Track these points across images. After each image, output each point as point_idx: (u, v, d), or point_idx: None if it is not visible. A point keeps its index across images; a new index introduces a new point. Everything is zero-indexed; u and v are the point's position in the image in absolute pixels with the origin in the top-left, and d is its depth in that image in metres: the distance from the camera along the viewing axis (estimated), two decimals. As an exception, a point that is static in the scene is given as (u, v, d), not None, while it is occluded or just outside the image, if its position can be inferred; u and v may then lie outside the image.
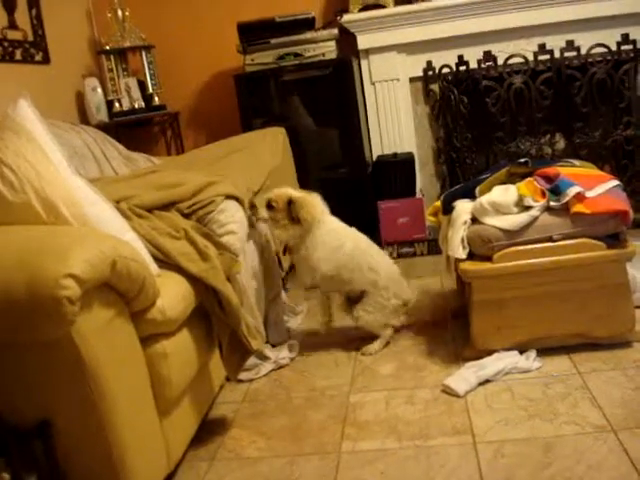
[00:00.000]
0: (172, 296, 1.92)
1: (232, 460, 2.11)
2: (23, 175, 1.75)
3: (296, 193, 2.74)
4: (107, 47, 4.02)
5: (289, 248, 2.82)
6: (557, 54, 3.72)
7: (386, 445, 2.06)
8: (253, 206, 2.72)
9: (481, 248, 2.40)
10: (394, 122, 4.04)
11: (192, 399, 2.11)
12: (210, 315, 2.16)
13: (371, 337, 2.76)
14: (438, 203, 2.75)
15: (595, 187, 2.38)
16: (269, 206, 2.70)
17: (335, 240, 2.71)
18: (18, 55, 3.44)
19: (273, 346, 2.82)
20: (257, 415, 2.37)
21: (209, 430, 2.29)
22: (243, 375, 2.60)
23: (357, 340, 2.82)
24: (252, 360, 2.58)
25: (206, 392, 2.28)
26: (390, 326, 2.78)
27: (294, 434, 2.20)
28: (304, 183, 3.73)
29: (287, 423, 2.28)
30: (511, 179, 2.55)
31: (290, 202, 2.68)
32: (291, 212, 2.67)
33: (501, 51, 3.81)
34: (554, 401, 2.16)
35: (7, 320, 1.49)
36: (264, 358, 2.69)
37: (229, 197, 2.52)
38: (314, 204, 2.71)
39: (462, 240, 2.42)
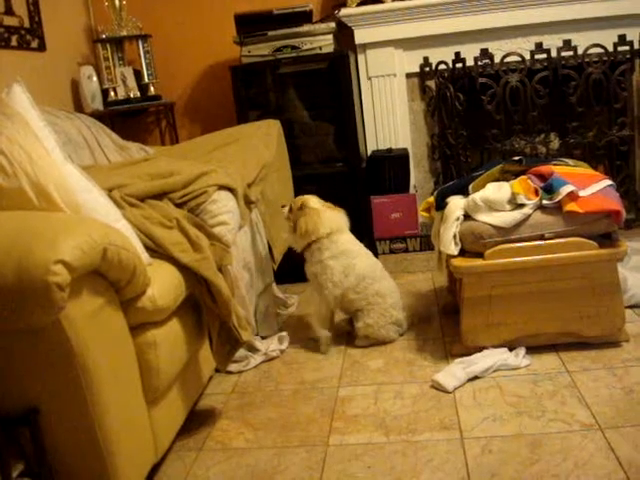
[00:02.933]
0: (163, 285, 1.92)
1: (219, 451, 2.11)
2: (16, 161, 1.74)
3: (314, 203, 2.75)
4: (104, 36, 4.00)
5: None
6: (554, 53, 3.73)
7: (374, 439, 2.06)
8: (249, 201, 2.74)
9: (473, 245, 2.41)
10: (389, 117, 4.04)
11: (181, 389, 2.11)
12: (200, 305, 2.15)
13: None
14: (431, 199, 2.75)
15: (588, 186, 2.39)
16: (290, 208, 2.77)
17: (345, 260, 2.70)
18: (14, 41, 3.42)
19: (263, 338, 2.82)
20: (245, 407, 2.37)
21: (197, 421, 2.29)
22: (232, 366, 2.60)
23: (347, 334, 2.82)
24: (242, 352, 2.59)
25: (195, 383, 2.28)
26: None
27: (282, 426, 2.21)
28: (298, 176, 3.73)
29: (275, 415, 2.28)
30: (505, 176, 2.55)
31: (300, 208, 2.71)
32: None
33: (498, 49, 3.81)
34: (542, 399, 2.16)
35: (-4, 306, 1.49)
36: (254, 350, 2.70)
37: (222, 188, 2.51)
38: (323, 219, 2.69)
39: (454, 236, 2.42)
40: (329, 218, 2.71)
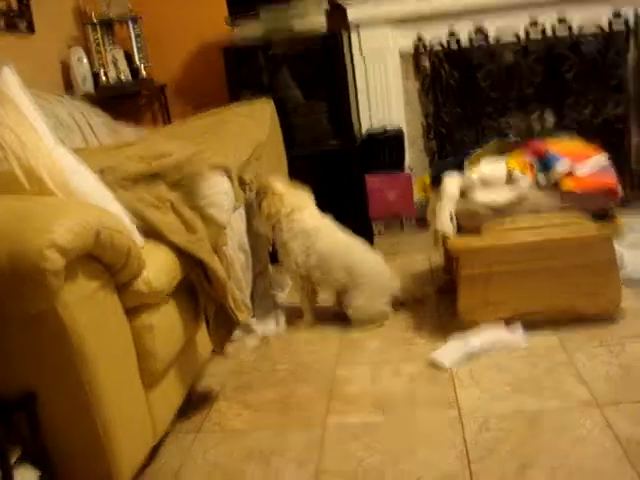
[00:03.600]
0: (158, 268, 1.91)
1: (217, 432, 2.11)
2: (6, 144, 1.72)
3: (278, 185, 2.76)
4: (93, 17, 3.96)
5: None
6: (549, 31, 3.70)
7: (372, 418, 2.07)
8: (243, 182, 2.73)
9: (469, 223, 2.40)
10: (384, 96, 4.00)
11: (178, 372, 2.10)
12: (196, 287, 2.14)
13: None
14: (427, 178, 2.74)
15: (584, 162, 2.38)
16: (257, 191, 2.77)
17: (306, 236, 2.71)
18: (2, 24, 3.37)
19: (260, 319, 2.81)
20: (243, 388, 2.37)
21: (195, 403, 2.29)
22: (229, 348, 2.59)
23: (344, 314, 2.82)
24: (238, 333, 2.58)
25: (192, 365, 2.27)
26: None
27: (280, 407, 2.21)
28: (292, 156, 3.70)
29: (273, 396, 2.28)
30: (500, 153, 2.54)
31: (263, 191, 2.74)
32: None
33: (493, 27, 3.77)
34: (540, 376, 2.17)
35: (-10, 291, 1.47)
36: (250, 331, 2.69)
37: (215, 168, 2.49)
38: (284, 200, 2.71)
39: (450, 215, 2.41)
40: (290, 198, 2.73)
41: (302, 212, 2.73)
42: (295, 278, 2.78)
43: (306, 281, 2.77)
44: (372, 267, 2.76)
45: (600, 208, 2.36)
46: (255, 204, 2.80)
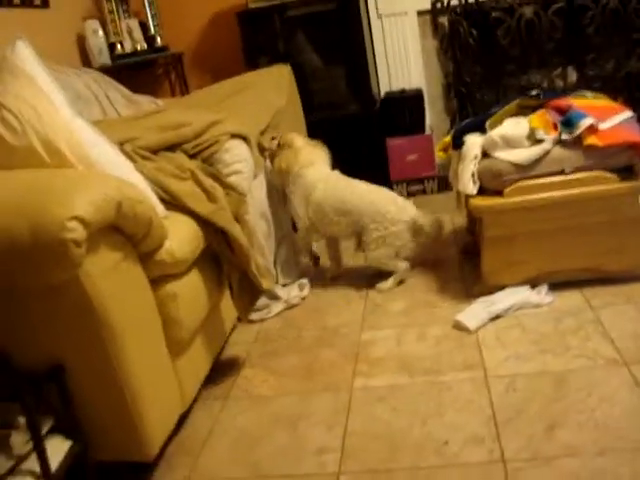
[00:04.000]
0: (180, 237, 1.91)
1: (245, 399, 2.13)
2: (24, 118, 1.72)
3: (298, 141, 2.80)
4: (107, -13, 3.94)
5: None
6: (569, -18, 3.61)
7: (398, 381, 2.07)
8: (263, 149, 2.75)
9: (492, 183, 2.37)
10: (402, 57, 3.95)
11: (204, 340, 2.12)
12: (219, 256, 2.15)
13: (382, 275, 2.75)
14: (448, 138, 2.70)
15: (608, 119, 2.33)
16: (279, 143, 2.82)
17: (305, 189, 2.75)
18: (16, -1, 3.37)
19: (284, 286, 2.82)
20: (269, 354, 2.38)
21: (222, 370, 2.31)
22: (254, 315, 2.61)
23: (368, 278, 2.81)
24: (263, 300, 2.60)
25: (218, 333, 2.29)
26: (403, 260, 2.75)
27: (306, 372, 2.22)
28: (311, 121, 3.68)
29: (299, 362, 2.29)
30: (522, 112, 2.49)
31: (280, 145, 2.78)
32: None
33: (511, -19, 3.70)
34: (565, 335, 2.15)
35: (13, 264, 1.48)
36: (275, 298, 2.70)
37: (235, 136, 2.48)
38: (298, 156, 2.74)
39: (472, 175, 2.38)
40: (305, 155, 2.77)
41: (309, 168, 2.77)
42: (302, 230, 2.85)
43: (313, 232, 2.84)
44: (371, 201, 2.71)
45: (625, 163, 2.32)
46: (269, 156, 2.86)
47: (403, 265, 2.75)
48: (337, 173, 2.82)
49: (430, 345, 2.25)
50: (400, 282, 2.75)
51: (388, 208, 2.68)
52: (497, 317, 2.32)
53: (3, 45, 1.87)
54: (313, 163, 2.77)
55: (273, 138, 2.83)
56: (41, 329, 1.62)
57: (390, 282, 2.74)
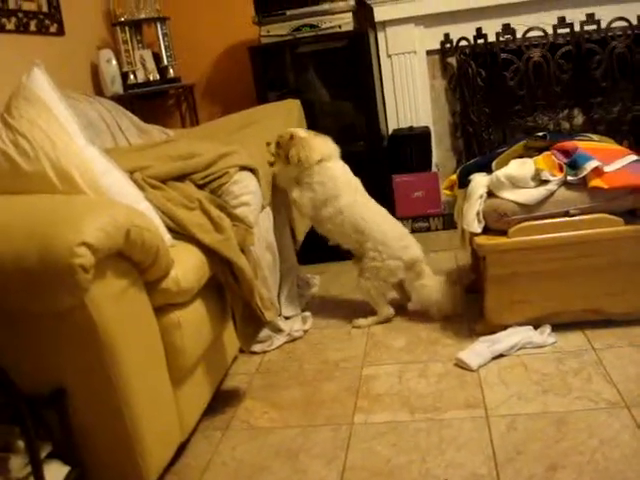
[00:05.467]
0: (186, 267, 1.92)
1: (245, 430, 2.12)
2: (38, 144, 1.75)
3: (301, 132, 2.79)
4: (122, 19, 4.00)
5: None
6: (577, 27, 3.66)
7: (398, 418, 2.06)
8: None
9: (497, 222, 2.39)
10: (410, 95, 4.00)
11: (206, 369, 2.12)
12: (224, 286, 2.16)
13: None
14: (454, 177, 2.73)
15: (613, 162, 2.35)
16: (278, 144, 2.78)
17: (331, 189, 2.72)
18: (33, 26, 3.42)
19: (287, 318, 2.83)
20: (270, 386, 2.38)
21: (222, 401, 2.30)
22: (256, 347, 2.61)
23: (370, 313, 2.82)
24: (265, 332, 2.60)
25: (220, 363, 2.29)
26: (390, 307, 2.77)
27: (306, 406, 2.21)
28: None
29: (300, 395, 2.29)
30: (528, 153, 2.52)
31: (291, 138, 2.74)
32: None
33: (520, 24, 3.74)
34: (568, 376, 2.15)
35: (21, 288, 1.50)
36: (277, 330, 2.70)
37: (243, 168, 2.51)
38: (313, 146, 2.72)
39: (477, 214, 2.40)
40: (319, 145, 2.75)
41: (331, 161, 2.76)
42: (298, 213, 2.87)
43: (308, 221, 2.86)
44: (382, 232, 2.72)
45: (629, 207, 2.33)
46: (276, 157, 2.82)
47: (388, 311, 2.76)
48: (362, 189, 2.81)
49: (431, 382, 2.25)
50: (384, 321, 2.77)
51: (392, 243, 2.70)
52: (499, 356, 2.32)
53: (19, 71, 1.90)
54: (331, 157, 2.77)
55: (268, 144, 2.82)
56: (44, 352, 1.63)
57: (369, 320, 2.76)
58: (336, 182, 2.72)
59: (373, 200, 2.81)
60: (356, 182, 2.81)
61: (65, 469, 1.65)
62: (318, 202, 2.72)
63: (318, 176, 2.71)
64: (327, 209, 2.72)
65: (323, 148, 2.75)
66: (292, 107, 3.54)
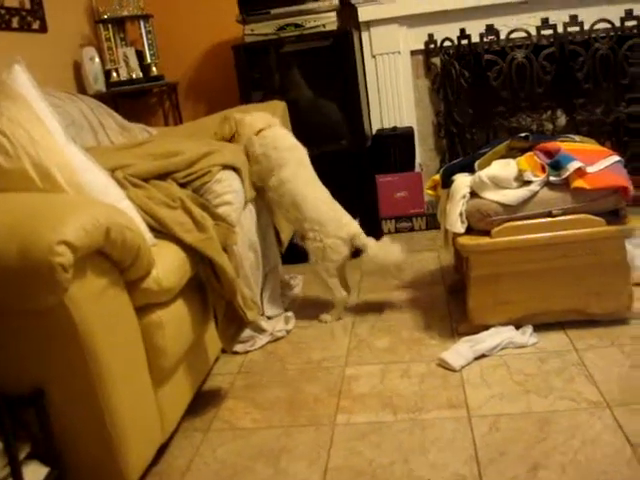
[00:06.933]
0: (167, 266, 1.91)
1: (226, 431, 2.11)
2: (18, 142, 1.73)
3: (236, 114, 2.92)
4: (105, 16, 3.97)
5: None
6: (560, 29, 3.68)
7: (381, 418, 2.06)
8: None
9: (480, 223, 2.39)
10: (394, 95, 4.00)
11: (187, 370, 2.11)
12: (206, 286, 2.15)
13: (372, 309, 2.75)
14: (437, 177, 2.73)
15: (596, 162, 2.36)
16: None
17: (275, 159, 2.78)
18: (15, 23, 3.38)
19: (269, 318, 2.82)
20: (252, 387, 2.37)
21: (204, 401, 2.29)
22: (239, 347, 2.60)
23: (353, 312, 2.82)
24: (248, 332, 2.59)
25: (201, 363, 2.28)
26: (342, 290, 2.83)
27: (289, 406, 2.20)
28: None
29: (282, 395, 2.28)
30: (511, 153, 2.53)
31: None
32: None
33: (504, 25, 3.76)
34: (550, 376, 2.15)
35: (0, 287, 1.48)
36: (260, 330, 2.69)
37: (226, 167, 2.50)
38: (247, 121, 2.85)
39: (460, 214, 2.40)
40: (254, 119, 2.86)
41: (271, 130, 2.84)
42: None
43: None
44: (319, 212, 2.77)
45: (611, 207, 2.35)
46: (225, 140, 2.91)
47: (341, 293, 2.82)
48: (307, 162, 2.87)
49: (414, 382, 2.24)
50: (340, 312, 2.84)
51: (329, 223, 2.76)
52: (482, 356, 2.33)
53: (1, 68, 1.88)
54: (271, 126, 2.85)
55: (215, 133, 2.92)
56: (23, 352, 1.61)
57: (334, 314, 2.82)
58: (278, 150, 2.78)
59: (318, 180, 2.86)
60: (301, 153, 2.86)
61: (44, 470, 1.63)
62: (264, 173, 2.79)
63: (260, 147, 2.79)
64: (272, 180, 2.78)
65: (259, 120, 2.85)
66: (276, 107, 3.51)
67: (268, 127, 2.83)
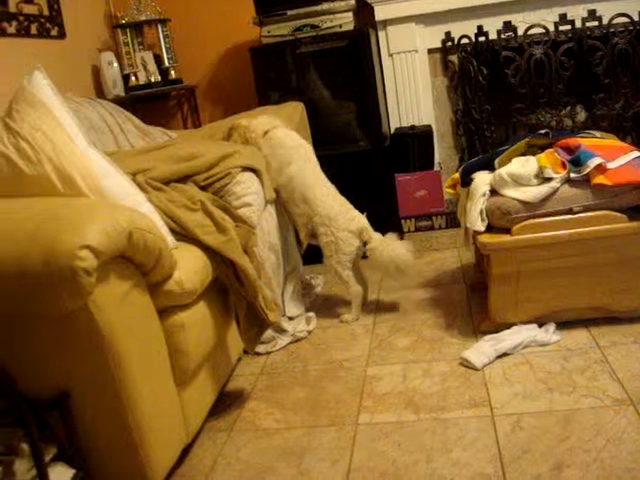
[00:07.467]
0: (189, 268, 1.92)
1: (249, 431, 2.12)
2: (39, 147, 1.75)
3: (243, 121, 2.94)
4: (123, 21, 4.00)
5: None
6: (578, 24, 3.65)
7: (403, 417, 2.06)
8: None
9: (500, 220, 2.38)
10: (412, 94, 3.99)
11: (210, 371, 2.12)
12: (227, 288, 2.16)
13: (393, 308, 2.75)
14: (457, 175, 2.72)
15: (617, 158, 2.34)
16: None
17: (282, 156, 2.83)
18: (34, 29, 3.42)
19: (290, 319, 2.82)
20: (274, 387, 2.37)
21: (227, 402, 2.30)
22: (261, 348, 2.61)
23: (375, 312, 2.81)
24: (270, 333, 2.60)
25: (224, 364, 2.29)
26: (357, 283, 2.84)
27: (311, 406, 2.21)
28: (321, 156, 3.69)
29: (304, 395, 2.28)
30: (531, 150, 2.51)
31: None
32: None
33: (521, 21, 3.74)
34: (573, 374, 2.14)
35: (24, 292, 1.50)
36: (281, 331, 2.70)
37: (246, 169, 2.51)
38: (252, 126, 2.88)
39: (481, 212, 2.39)
40: (259, 123, 2.90)
41: (276, 131, 2.87)
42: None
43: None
44: (328, 206, 2.83)
45: (632, 203, 2.33)
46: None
47: (356, 287, 2.84)
48: (313, 159, 2.92)
49: (436, 382, 2.24)
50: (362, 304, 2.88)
51: (338, 217, 2.80)
52: (504, 355, 2.32)
53: (21, 75, 1.90)
54: (276, 127, 2.89)
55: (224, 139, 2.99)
56: (48, 356, 1.63)
57: (353, 312, 2.84)
58: (285, 148, 2.84)
59: (324, 176, 2.92)
60: (307, 150, 2.92)
61: (70, 472, 1.65)
62: (274, 173, 2.81)
63: (267, 148, 2.83)
64: (281, 178, 2.82)
65: (264, 123, 2.89)
66: (295, 108, 3.52)
67: (273, 128, 2.87)
